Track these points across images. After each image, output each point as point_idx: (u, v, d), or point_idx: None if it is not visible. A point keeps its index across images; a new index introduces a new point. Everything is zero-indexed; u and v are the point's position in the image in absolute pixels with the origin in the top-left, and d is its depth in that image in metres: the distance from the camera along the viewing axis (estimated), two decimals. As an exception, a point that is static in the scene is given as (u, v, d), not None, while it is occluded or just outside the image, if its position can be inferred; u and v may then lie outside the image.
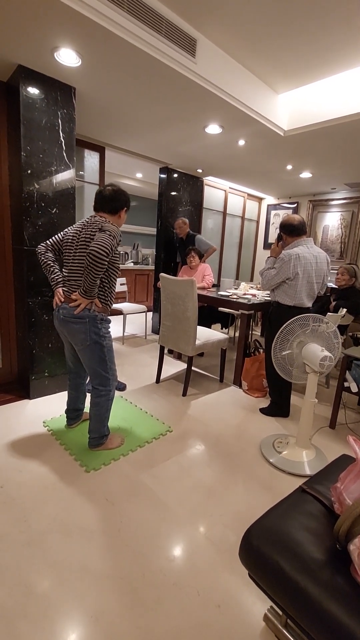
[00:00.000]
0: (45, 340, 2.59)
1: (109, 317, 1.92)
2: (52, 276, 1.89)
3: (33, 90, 2.23)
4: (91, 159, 3.54)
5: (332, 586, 0.82)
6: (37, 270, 2.45)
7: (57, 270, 1.90)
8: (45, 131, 2.33)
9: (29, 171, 2.30)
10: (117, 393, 2.80)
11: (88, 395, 2.46)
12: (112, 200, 1.85)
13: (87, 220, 1.85)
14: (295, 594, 0.83)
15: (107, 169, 4.08)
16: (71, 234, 1.85)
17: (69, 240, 1.85)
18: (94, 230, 1.76)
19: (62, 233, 1.92)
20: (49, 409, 2.48)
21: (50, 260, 1.89)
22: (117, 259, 1.84)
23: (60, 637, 1.06)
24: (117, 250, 1.81)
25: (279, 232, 2.46)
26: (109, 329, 1.91)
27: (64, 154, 2.45)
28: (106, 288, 1.85)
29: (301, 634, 0.98)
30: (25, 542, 1.39)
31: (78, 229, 1.84)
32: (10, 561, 1.30)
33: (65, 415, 2.24)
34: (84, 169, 3.50)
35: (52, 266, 1.89)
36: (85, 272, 1.66)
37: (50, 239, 1.92)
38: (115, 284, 1.92)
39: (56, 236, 1.93)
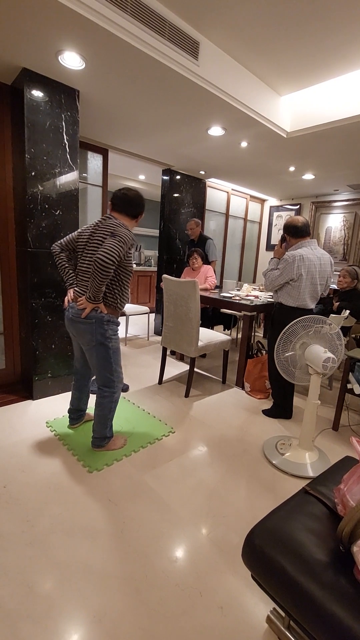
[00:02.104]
0: (48, 341, 2.60)
1: (118, 320, 1.91)
2: (66, 277, 1.92)
3: (37, 93, 2.25)
4: (94, 161, 3.56)
5: (335, 588, 0.81)
6: (40, 271, 2.46)
7: (70, 272, 1.92)
8: (49, 133, 2.35)
9: (33, 173, 2.32)
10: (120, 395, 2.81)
11: (92, 396, 2.47)
12: (132, 204, 1.85)
13: (101, 220, 1.83)
14: (298, 595, 0.83)
15: (110, 171, 4.10)
16: (86, 235, 1.84)
17: (82, 241, 1.84)
18: (105, 234, 1.74)
19: (77, 232, 1.90)
20: (52, 409, 2.49)
21: (63, 261, 1.90)
22: (129, 262, 1.80)
23: (62, 637, 1.07)
24: (130, 253, 1.78)
25: (282, 233, 2.47)
26: (117, 331, 1.90)
27: (68, 156, 2.47)
28: (116, 292, 1.83)
29: (304, 636, 0.97)
30: (28, 542, 1.39)
31: (92, 230, 1.82)
32: (13, 561, 1.31)
33: (68, 415, 2.25)
34: (87, 171, 3.52)
35: (67, 267, 1.91)
36: (91, 278, 1.66)
37: (64, 238, 1.92)
38: (128, 287, 1.88)
39: (70, 235, 1.92)
